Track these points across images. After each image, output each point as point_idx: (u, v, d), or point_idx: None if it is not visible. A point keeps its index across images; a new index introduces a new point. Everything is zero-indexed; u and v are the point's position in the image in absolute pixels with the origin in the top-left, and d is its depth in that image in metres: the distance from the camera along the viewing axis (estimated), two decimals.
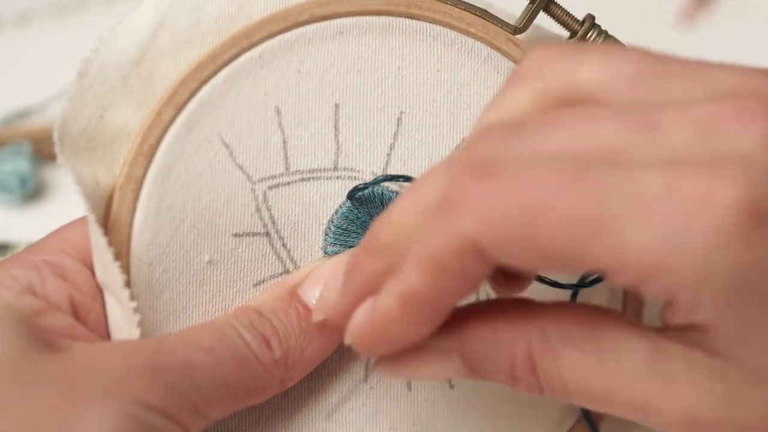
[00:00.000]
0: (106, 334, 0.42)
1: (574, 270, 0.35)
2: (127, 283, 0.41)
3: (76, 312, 0.41)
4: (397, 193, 0.46)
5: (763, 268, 0.32)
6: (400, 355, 0.39)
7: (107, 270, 0.41)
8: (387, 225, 0.37)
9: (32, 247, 0.43)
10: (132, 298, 0.41)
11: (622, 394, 0.36)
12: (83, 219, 0.43)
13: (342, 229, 0.46)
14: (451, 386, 0.48)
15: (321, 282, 0.44)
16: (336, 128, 0.45)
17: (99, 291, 0.42)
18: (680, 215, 0.31)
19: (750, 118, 0.32)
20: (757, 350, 0.35)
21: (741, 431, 0.36)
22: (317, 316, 0.42)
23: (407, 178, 0.45)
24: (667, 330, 0.36)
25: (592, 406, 0.38)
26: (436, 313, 0.37)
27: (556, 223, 0.32)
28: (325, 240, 0.46)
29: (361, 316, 0.38)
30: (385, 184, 0.46)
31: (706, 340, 0.35)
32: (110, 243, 0.41)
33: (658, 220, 0.31)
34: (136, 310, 0.41)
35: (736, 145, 0.32)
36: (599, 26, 0.47)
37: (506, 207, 0.33)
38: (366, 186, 0.45)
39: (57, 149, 0.42)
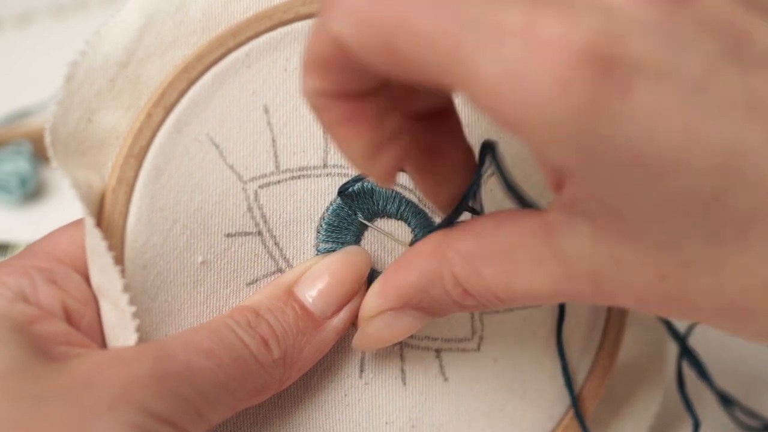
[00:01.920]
0: (99, 340, 0.41)
1: (435, 88, 0.35)
2: (125, 287, 0.40)
3: (69, 318, 0.40)
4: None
5: (608, 122, 0.30)
6: (369, 331, 0.43)
7: (105, 274, 0.41)
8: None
9: (22, 253, 0.42)
10: (130, 302, 0.40)
11: (542, 288, 0.37)
12: (73, 224, 0.43)
13: (333, 226, 0.46)
14: (446, 379, 0.48)
15: (317, 281, 0.44)
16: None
17: (91, 296, 0.42)
18: (526, 53, 0.30)
19: None
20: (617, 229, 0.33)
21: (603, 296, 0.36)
22: None
23: None
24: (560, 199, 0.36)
25: (530, 304, 0.39)
26: (363, 113, 0.37)
27: (414, 41, 0.32)
28: (317, 237, 0.46)
29: None
30: None
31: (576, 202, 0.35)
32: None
33: (505, 55, 0.31)
34: (134, 314, 0.40)
35: None
36: None
37: (370, 15, 0.33)
38: (355, 181, 0.45)
39: (50, 153, 0.41)
